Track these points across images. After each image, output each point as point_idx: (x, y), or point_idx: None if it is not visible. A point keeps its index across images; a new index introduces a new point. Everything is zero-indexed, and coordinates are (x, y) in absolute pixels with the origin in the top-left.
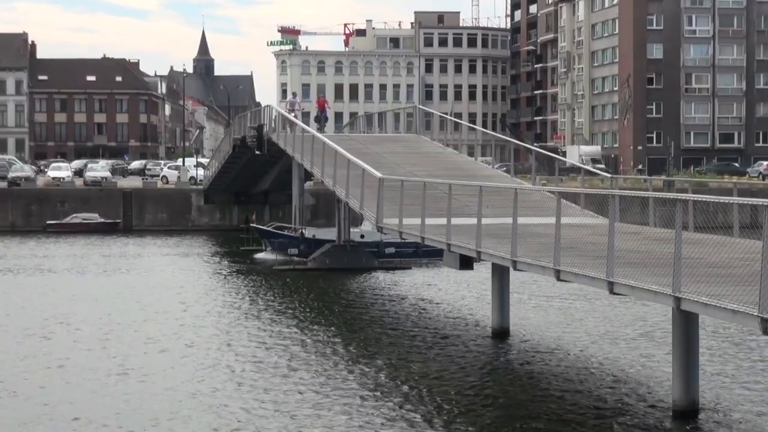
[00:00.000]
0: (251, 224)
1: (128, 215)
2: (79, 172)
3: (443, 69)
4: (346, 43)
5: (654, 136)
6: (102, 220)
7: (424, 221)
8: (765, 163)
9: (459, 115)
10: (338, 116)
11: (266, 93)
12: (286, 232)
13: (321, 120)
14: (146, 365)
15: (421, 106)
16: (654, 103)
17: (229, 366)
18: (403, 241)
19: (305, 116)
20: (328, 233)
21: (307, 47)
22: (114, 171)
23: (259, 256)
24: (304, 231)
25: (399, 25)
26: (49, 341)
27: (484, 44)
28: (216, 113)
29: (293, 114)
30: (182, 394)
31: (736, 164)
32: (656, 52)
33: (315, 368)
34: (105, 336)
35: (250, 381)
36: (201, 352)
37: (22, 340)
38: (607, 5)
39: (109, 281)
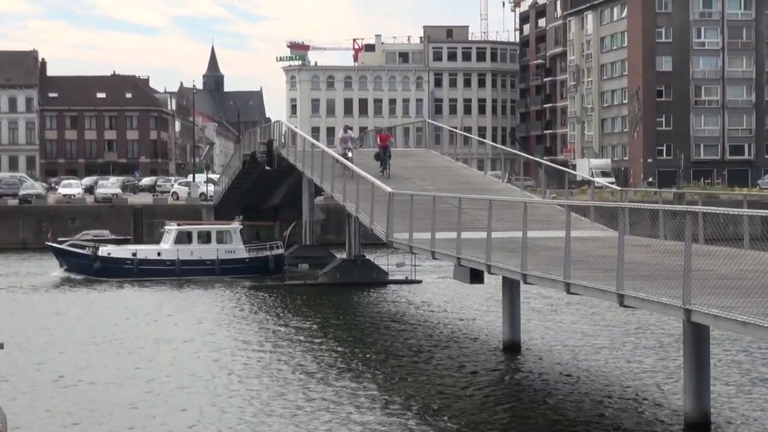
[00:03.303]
0: (47, 242)
1: (139, 231)
2: (89, 189)
3: (452, 83)
4: (356, 58)
5: (664, 148)
6: (113, 236)
7: (434, 235)
8: None
9: (468, 129)
10: None
11: (276, 108)
12: (84, 251)
13: (383, 158)
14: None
15: (430, 121)
16: (663, 116)
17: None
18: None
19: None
20: (124, 251)
21: (316, 62)
22: (124, 187)
23: (55, 274)
24: (97, 249)
25: (408, 39)
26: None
27: (493, 58)
28: (226, 129)
29: (349, 155)
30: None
31: None
32: (665, 64)
33: (326, 382)
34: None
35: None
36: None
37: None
38: (615, 18)
39: (106, 298)
